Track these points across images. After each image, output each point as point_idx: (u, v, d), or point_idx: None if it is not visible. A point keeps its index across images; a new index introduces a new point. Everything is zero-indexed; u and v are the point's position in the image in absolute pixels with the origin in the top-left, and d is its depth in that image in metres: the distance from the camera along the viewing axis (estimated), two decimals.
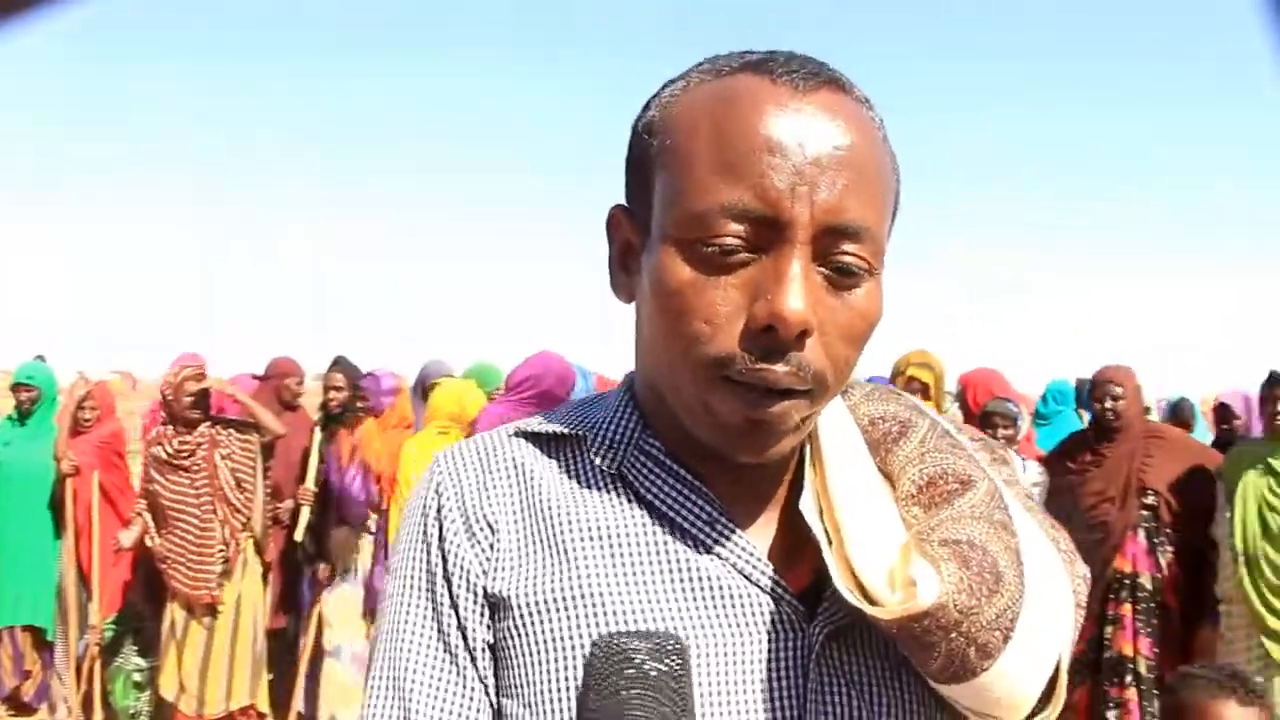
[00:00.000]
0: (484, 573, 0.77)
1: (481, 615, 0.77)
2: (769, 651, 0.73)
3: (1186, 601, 3.74)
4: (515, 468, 0.82)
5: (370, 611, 4.50)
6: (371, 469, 4.57)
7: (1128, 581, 3.71)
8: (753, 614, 0.74)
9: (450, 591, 0.78)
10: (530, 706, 0.73)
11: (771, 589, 0.75)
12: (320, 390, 5.17)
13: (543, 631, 0.74)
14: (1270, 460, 3.57)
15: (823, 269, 0.70)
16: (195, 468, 4.35)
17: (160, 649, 4.51)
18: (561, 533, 0.77)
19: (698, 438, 0.75)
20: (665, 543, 0.76)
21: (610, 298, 0.84)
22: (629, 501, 0.78)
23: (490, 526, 0.79)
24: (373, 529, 4.58)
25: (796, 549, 0.77)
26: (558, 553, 0.76)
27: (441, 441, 4.21)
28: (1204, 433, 5.80)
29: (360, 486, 4.56)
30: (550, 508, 0.79)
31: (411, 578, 0.80)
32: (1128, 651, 3.69)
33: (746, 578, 0.75)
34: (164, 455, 4.36)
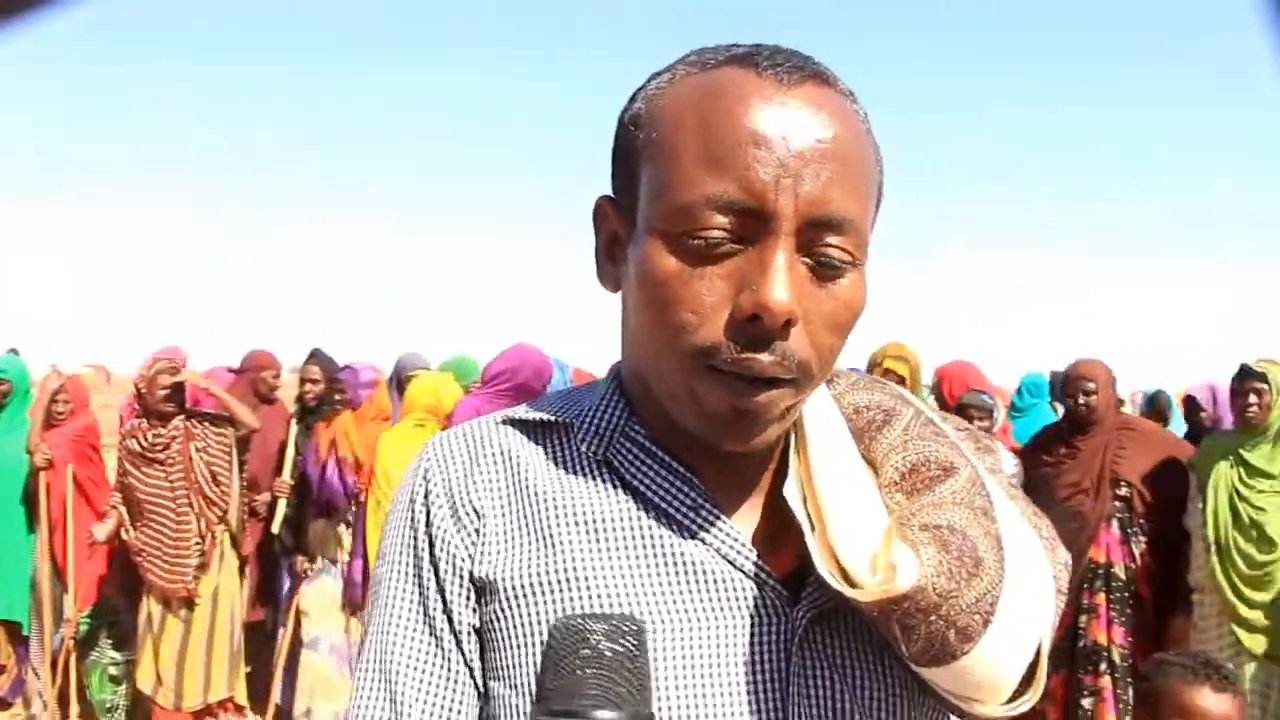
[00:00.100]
0: (470, 557, 0.79)
1: (468, 599, 0.78)
2: (752, 635, 0.74)
3: (1159, 591, 3.79)
4: (503, 455, 0.83)
5: (349, 604, 4.48)
6: (349, 461, 4.55)
7: (1102, 571, 3.75)
8: (737, 598, 0.75)
9: (437, 576, 0.79)
10: (515, 688, 0.74)
11: (755, 574, 0.76)
12: (298, 383, 5.16)
13: (527, 614, 0.75)
14: (1241, 451, 3.62)
15: (807, 260, 0.71)
16: (170, 461, 4.32)
17: (137, 642, 4.48)
18: (548, 518, 0.78)
19: (684, 426, 0.76)
20: (650, 528, 0.77)
21: (606, 295, 0.84)
22: (615, 488, 0.79)
23: (476, 512, 0.80)
24: (350, 521, 4.57)
25: (781, 535, 0.78)
26: (544, 537, 0.77)
27: (418, 434, 4.20)
28: (1180, 425, 5.84)
29: (338, 479, 4.55)
30: (537, 494, 0.80)
31: (399, 563, 0.81)
32: (1102, 640, 3.74)
33: (731, 563, 0.76)
34: (138, 448, 4.32)
